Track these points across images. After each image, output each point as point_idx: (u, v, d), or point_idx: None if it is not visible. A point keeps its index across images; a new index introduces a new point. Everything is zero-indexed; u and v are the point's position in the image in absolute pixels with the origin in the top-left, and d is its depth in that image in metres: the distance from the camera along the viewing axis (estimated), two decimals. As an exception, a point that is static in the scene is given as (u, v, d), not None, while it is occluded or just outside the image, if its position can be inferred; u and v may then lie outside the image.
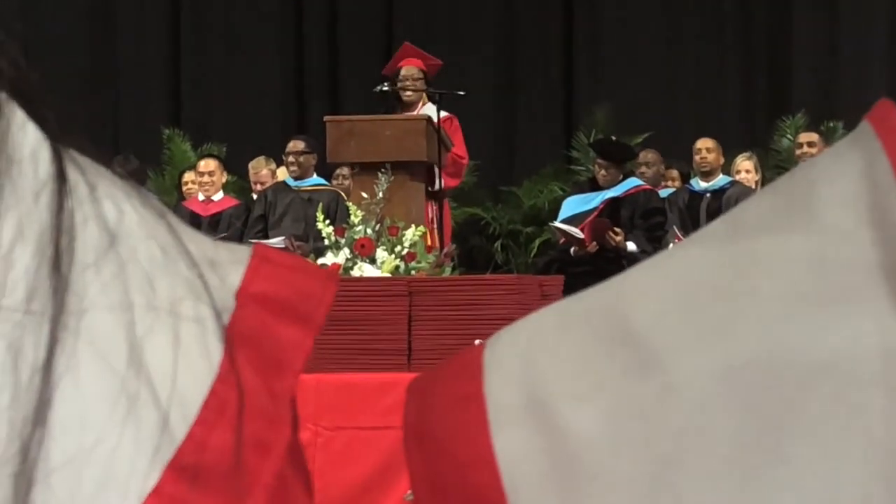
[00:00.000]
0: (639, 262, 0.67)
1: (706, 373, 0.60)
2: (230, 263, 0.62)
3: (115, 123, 15.47)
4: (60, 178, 0.58)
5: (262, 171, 11.72)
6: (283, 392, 0.60)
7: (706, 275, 0.63)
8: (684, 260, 0.65)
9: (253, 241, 10.12)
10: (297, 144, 10.83)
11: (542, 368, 0.63)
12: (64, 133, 0.60)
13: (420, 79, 9.64)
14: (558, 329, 0.65)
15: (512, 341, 0.66)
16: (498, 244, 14.25)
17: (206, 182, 11.25)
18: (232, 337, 0.59)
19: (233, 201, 11.43)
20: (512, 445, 0.62)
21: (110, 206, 0.60)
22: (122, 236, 0.59)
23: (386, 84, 9.50)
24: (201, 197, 11.33)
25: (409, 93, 9.51)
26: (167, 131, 14.74)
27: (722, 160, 11.19)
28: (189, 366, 0.57)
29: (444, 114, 8.86)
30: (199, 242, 0.62)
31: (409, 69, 9.65)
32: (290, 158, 10.74)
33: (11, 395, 0.54)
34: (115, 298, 0.57)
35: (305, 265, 0.64)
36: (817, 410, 0.59)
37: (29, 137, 0.59)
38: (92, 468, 0.54)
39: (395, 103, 9.62)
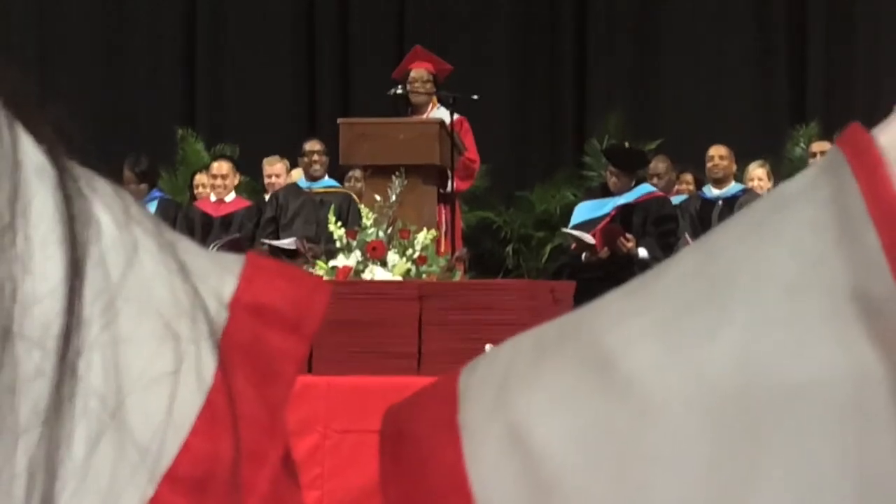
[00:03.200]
0: (624, 284, 0.67)
1: (680, 397, 0.60)
2: (223, 273, 0.62)
3: (130, 123, 15.50)
4: (68, 201, 0.58)
5: (277, 165, 11.74)
6: (277, 402, 0.60)
7: (681, 298, 0.63)
8: (660, 283, 0.65)
9: (265, 241, 10.15)
10: (315, 144, 10.87)
11: (517, 394, 0.63)
12: (60, 144, 0.60)
13: (429, 81, 9.66)
14: (534, 355, 0.65)
15: (487, 367, 0.66)
16: (509, 248, 14.25)
17: (218, 185, 11.26)
18: (225, 348, 0.59)
19: (244, 202, 11.44)
20: (487, 473, 0.62)
21: (107, 221, 0.60)
22: (116, 254, 0.59)
23: (399, 87, 9.52)
24: (213, 198, 11.34)
25: (417, 96, 9.52)
26: (181, 131, 14.77)
27: (734, 168, 11.19)
28: (186, 382, 0.57)
29: (455, 116, 8.87)
30: (192, 253, 0.62)
31: (419, 71, 9.67)
32: (315, 157, 10.76)
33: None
34: (115, 329, 0.57)
35: (298, 273, 0.64)
36: (791, 435, 0.59)
37: (31, 156, 0.59)
38: (90, 484, 0.54)
39: (405, 106, 9.63)
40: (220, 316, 0.61)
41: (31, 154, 0.60)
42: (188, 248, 0.63)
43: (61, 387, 0.55)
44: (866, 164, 0.62)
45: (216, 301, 0.61)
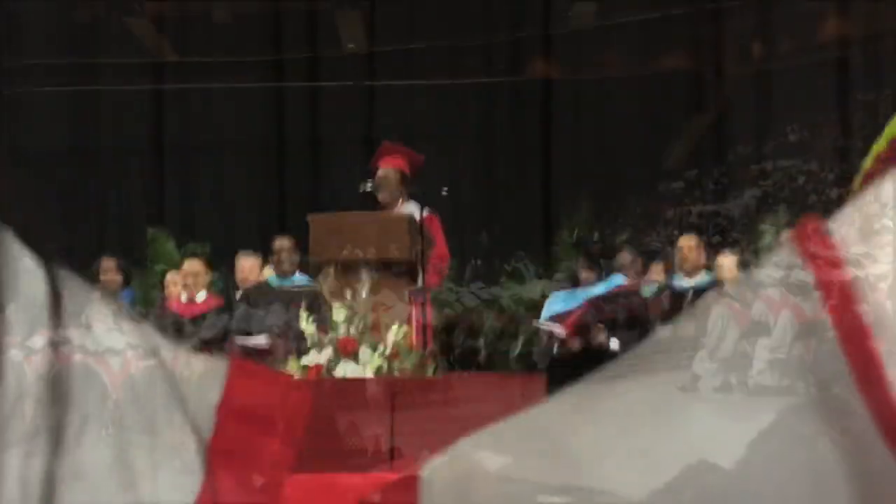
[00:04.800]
0: (575, 386, 0.68)
1: (637, 495, 0.61)
2: (209, 378, 0.63)
3: (101, 223, 15.49)
4: (56, 304, 0.59)
5: (251, 259, 11.72)
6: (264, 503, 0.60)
7: (638, 402, 0.64)
8: (618, 386, 0.66)
9: (236, 340, 10.10)
10: (284, 242, 10.86)
11: (477, 486, 0.64)
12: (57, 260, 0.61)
13: (398, 181, 9.62)
14: (496, 449, 0.66)
15: (450, 461, 0.67)
16: (481, 342, 14.23)
17: (189, 283, 11.23)
18: (213, 453, 0.60)
19: (215, 300, 11.41)
20: None
21: (100, 328, 0.61)
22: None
23: (370, 183, 9.50)
24: (184, 297, 11.31)
25: (384, 195, 9.44)
26: (151, 231, 14.76)
27: (704, 258, 11.22)
28: (171, 489, 0.58)
29: (425, 212, 8.88)
30: (177, 357, 0.63)
31: (386, 171, 9.58)
32: (284, 255, 10.73)
33: None
34: (108, 438, 0.57)
35: (283, 378, 0.65)
36: None
37: (26, 263, 0.60)
38: None
39: (375, 201, 9.61)
40: (208, 421, 0.61)
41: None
42: (173, 351, 0.63)
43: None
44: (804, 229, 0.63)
45: (203, 407, 0.62)
